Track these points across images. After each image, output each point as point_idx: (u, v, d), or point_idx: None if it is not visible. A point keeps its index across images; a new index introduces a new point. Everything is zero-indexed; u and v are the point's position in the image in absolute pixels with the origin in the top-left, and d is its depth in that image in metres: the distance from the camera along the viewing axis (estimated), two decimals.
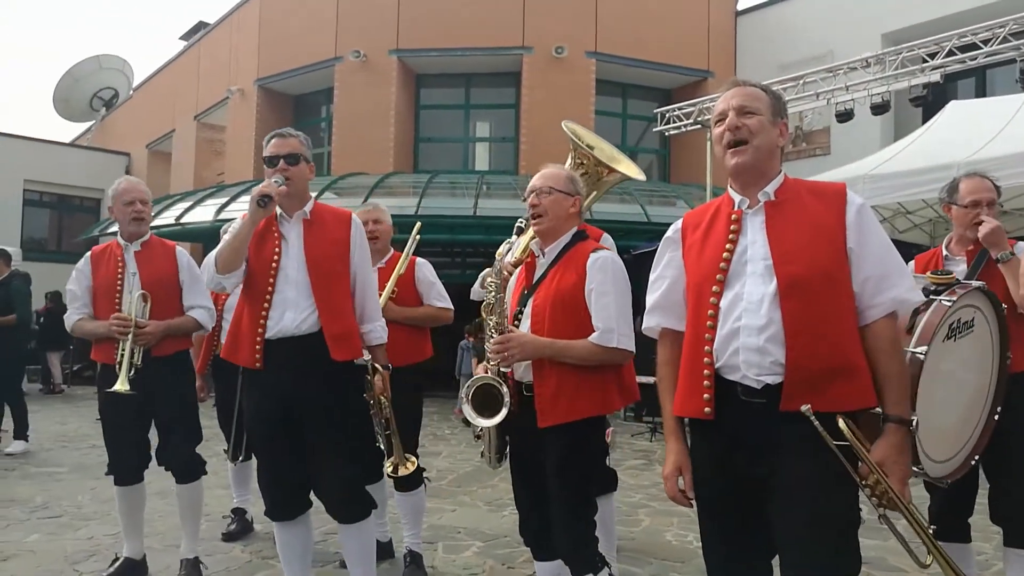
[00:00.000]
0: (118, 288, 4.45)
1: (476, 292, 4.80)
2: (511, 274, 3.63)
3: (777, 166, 2.55)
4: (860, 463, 2.27)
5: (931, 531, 2.37)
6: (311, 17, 18.66)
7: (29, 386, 15.93)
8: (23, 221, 23.48)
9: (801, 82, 12.09)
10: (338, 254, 3.73)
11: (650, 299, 2.74)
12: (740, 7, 19.09)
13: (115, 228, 4.69)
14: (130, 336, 4.25)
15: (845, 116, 11.50)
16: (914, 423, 2.33)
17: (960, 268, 3.67)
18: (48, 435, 10.37)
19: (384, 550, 4.87)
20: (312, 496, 3.74)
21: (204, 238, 15.26)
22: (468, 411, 3.15)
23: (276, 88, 19.96)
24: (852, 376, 2.31)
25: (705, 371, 2.44)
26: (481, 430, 3.30)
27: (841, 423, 2.24)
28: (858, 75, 11.53)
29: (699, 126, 13.27)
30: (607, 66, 17.78)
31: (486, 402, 3.13)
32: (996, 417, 2.91)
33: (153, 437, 4.61)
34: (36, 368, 17.02)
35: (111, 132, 28.40)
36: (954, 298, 2.64)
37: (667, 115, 14.14)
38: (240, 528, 5.55)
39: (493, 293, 3.21)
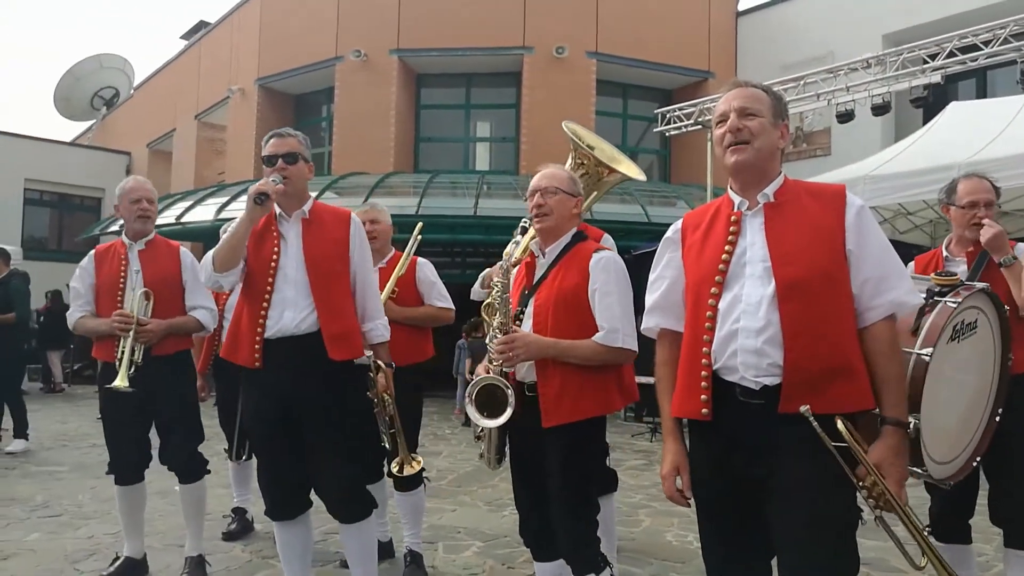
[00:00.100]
0: (121, 286, 4.46)
1: (476, 292, 4.80)
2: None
3: (777, 167, 2.55)
4: (858, 465, 2.27)
5: (926, 532, 2.37)
6: (312, 17, 18.66)
7: (30, 385, 15.96)
8: (24, 220, 23.48)
9: (802, 83, 12.09)
10: (337, 253, 3.73)
11: (649, 299, 2.74)
12: (741, 7, 19.09)
13: (115, 228, 4.71)
14: (131, 333, 4.25)
15: (846, 117, 11.49)
16: (911, 425, 2.33)
17: (961, 269, 3.67)
18: (49, 434, 10.37)
19: (384, 550, 4.87)
20: (312, 495, 3.74)
21: (204, 237, 15.25)
22: (472, 412, 3.14)
23: (277, 88, 19.96)
24: (850, 378, 2.31)
25: (703, 372, 2.44)
26: (482, 431, 3.29)
27: (840, 424, 2.24)
28: (859, 76, 11.52)
29: (700, 127, 13.27)
30: (608, 66, 17.77)
31: (489, 403, 3.13)
32: (997, 419, 2.91)
33: (154, 437, 4.61)
34: (37, 367, 17.04)
35: (112, 131, 28.40)
36: (959, 299, 2.64)
37: (668, 115, 14.14)
38: (241, 527, 5.55)
39: (499, 293, 3.20)
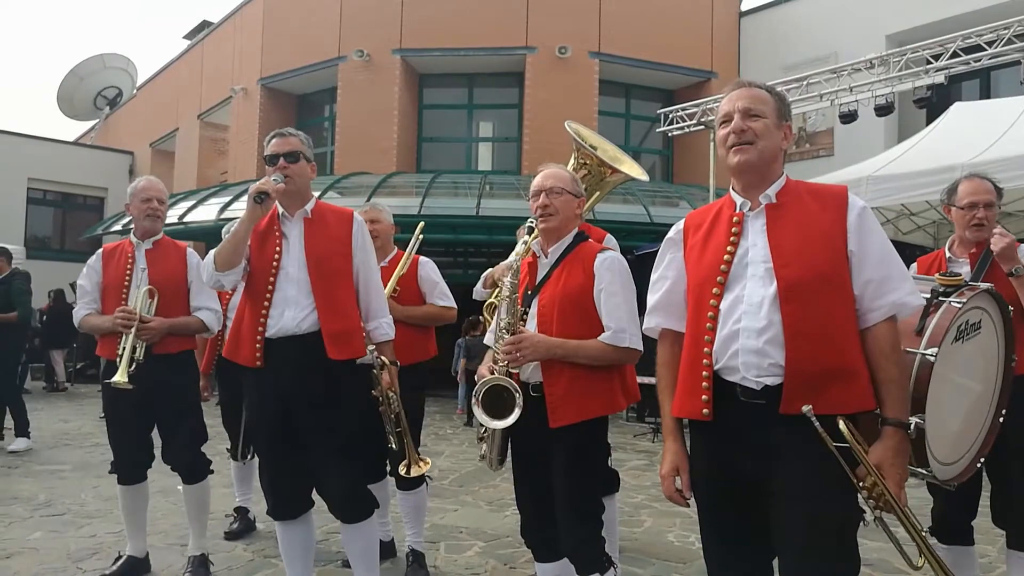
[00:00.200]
0: (126, 283, 4.48)
1: (478, 292, 4.81)
2: (502, 277, 3.64)
3: (779, 169, 2.54)
4: (858, 465, 2.27)
5: (925, 533, 2.37)
6: (315, 16, 18.67)
7: (32, 384, 15.98)
8: (27, 219, 23.49)
9: (805, 83, 12.08)
10: (340, 252, 3.73)
11: (651, 300, 2.74)
12: (744, 8, 19.08)
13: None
14: (133, 330, 4.26)
15: (849, 117, 11.47)
16: (914, 426, 2.33)
17: (964, 270, 3.67)
18: (51, 433, 10.38)
19: (386, 549, 4.87)
20: (315, 495, 3.74)
21: (207, 237, 15.27)
22: (480, 414, 3.13)
23: (280, 87, 19.96)
24: (851, 379, 2.32)
25: (704, 372, 2.44)
26: (486, 432, 3.29)
27: (841, 424, 2.24)
28: (862, 76, 11.51)
29: (702, 127, 13.27)
30: (610, 66, 17.76)
31: (494, 403, 3.12)
32: (1001, 419, 2.91)
33: (156, 436, 4.61)
34: (39, 366, 17.05)
35: (115, 131, 28.43)
36: (964, 300, 2.64)
37: (670, 116, 14.13)
38: (243, 527, 5.55)
39: (508, 293, 3.19)
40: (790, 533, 2.28)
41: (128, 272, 4.51)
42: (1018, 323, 3.11)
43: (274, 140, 3.72)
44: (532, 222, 3.29)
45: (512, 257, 3.27)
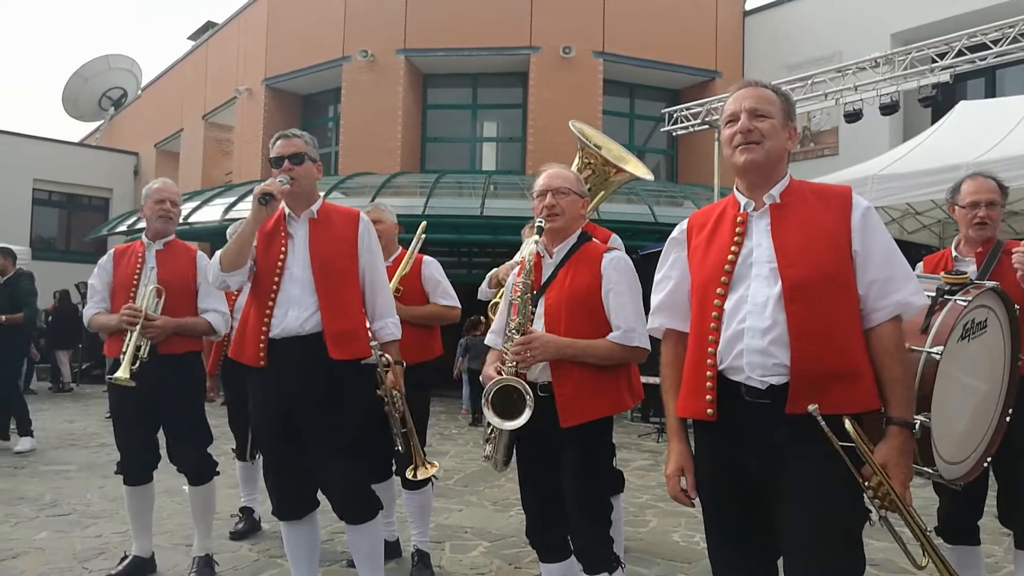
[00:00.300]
0: (135, 282, 4.50)
1: (483, 292, 4.80)
2: (507, 276, 3.63)
3: (784, 169, 2.54)
4: (863, 465, 2.27)
5: (930, 533, 2.38)
6: (319, 17, 18.69)
7: (38, 384, 16.02)
8: (32, 220, 23.54)
9: (810, 82, 12.07)
10: (345, 252, 3.73)
11: (655, 299, 2.74)
12: (748, 7, 19.07)
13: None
14: (138, 327, 4.27)
15: (854, 116, 11.45)
16: (919, 425, 2.33)
17: (970, 269, 3.65)
18: (57, 433, 10.40)
19: (391, 549, 4.88)
20: (320, 495, 3.74)
21: (212, 238, 15.29)
22: (490, 415, 3.13)
23: (284, 88, 19.98)
24: (856, 379, 2.31)
25: (708, 372, 2.43)
26: (492, 433, 3.28)
27: (847, 424, 2.24)
28: (867, 75, 11.49)
29: (707, 126, 13.26)
30: (615, 66, 17.76)
31: (503, 404, 3.11)
32: (1008, 419, 2.90)
33: (161, 436, 4.62)
34: (45, 366, 17.10)
35: (120, 132, 28.49)
36: (969, 298, 2.63)
37: (675, 115, 14.12)
38: (248, 527, 5.55)
39: (521, 294, 3.19)
40: (796, 533, 2.27)
41: (137, 271, 4.53)
42: None
43: (279, 142, 3.72)
44: (541, 222, 3.28)
45: (526, 257, 3.26)
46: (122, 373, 4.16)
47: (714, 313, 2.45)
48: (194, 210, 16.11)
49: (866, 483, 2.28)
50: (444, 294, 4.84)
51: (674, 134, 14.38)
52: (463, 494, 7.13)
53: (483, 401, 3.14)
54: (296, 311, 3.58)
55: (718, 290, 2.45)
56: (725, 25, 18.55)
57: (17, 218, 22.27)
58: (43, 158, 23.47)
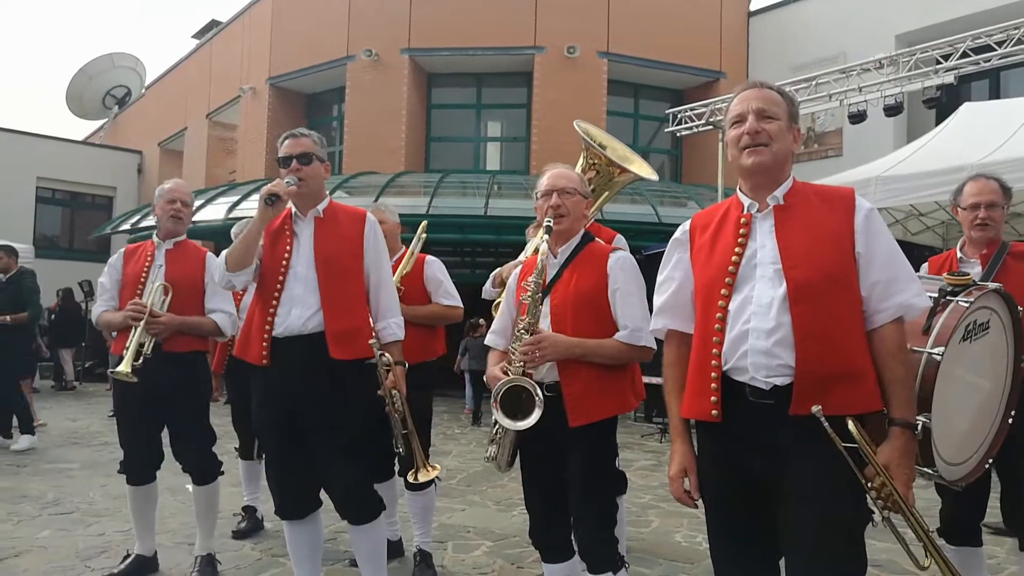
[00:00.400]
0: (142, 280, 4.51)
1: (488, 291, 4.79)
2: (506, 277, 3.63)
3: (788, 171, 2.54)
4: (866, 465, 2.27)
5: (932, 533, 2.38)
6: (323, 16, 18.71)
7: (41, 383, 16.03)
8: (36, 218, 23.57)
9: (814, 83, 12.06)
10: (350, 251, 3.72)
11: (657, 300, 2.74)
12: (753, 8, 19.06)
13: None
14: (142, 323, 4.27)
15: (858, 117, 11.45)
16: (919, 427, 2.33)
17: (975, 271, 3.65)
18: (60, 431, 10.42)
19: (394, 549, 4.88)
20: (323, 494, 3.74)
21: (215, 237, 15.30)
22: (501, 417, 3.12)
23: (288, 87, 20.01)
24: (859, 380, 2.32)
25: (713, 373, 2.43)
26: (497, 433, 3.28)
27: (851, 425, 2.25)
28: (871, 76, 11.48)
29: (711, 127, 13.26)
30: (619, 66, 17.76)
31: (512, 405, 3.11)
32: (1010, 420, 2.90)
33: (164, 435, 4.62)
34: (48, 365, 17.12)
35: (123, 130, 28.53)
36: (971, 299, 2.63)
37: (679, 115, 14.12)
38: (250, 526, 5.56)
39: (531, 294, 3.18)
40: (800, 533, 2.27)
41: (146, 269, 4.54)
42: None
43: (287, 141, 3.72)
44: (550, 221, 3.28)
45: (539, 256, 3.25)
46: (123, 367, 4.16)
47: (719, 314, 2.45)
48: (198, 209, 16.08)
49: (869, 484, 2.28)
50: (446, 294, 4.84)
51: (678, 134, 14.38)
52: (466, 494, 7.13)
53: (492, 402, 3.13)
54: (299, 310, 3.58)
55: (722, 291, 2.45)
56: (729, 26, 18.54)
57: (21, 216, 22.29)
58: (47, 156, 23.49)
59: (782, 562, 2.42)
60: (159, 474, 4.66)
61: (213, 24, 26.41)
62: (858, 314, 2.37)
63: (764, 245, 2.45)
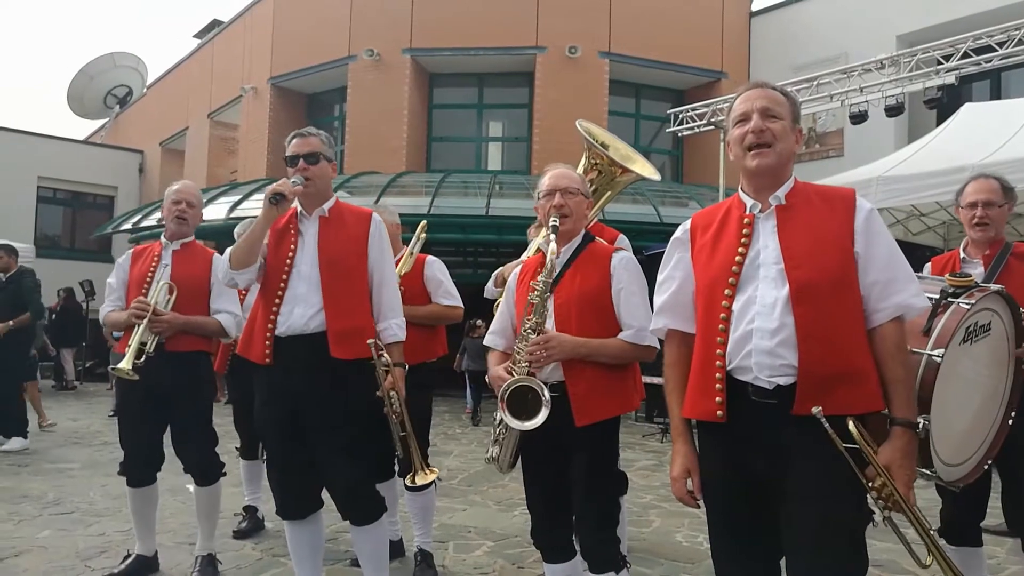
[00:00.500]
0: (148, 279, 4.51)
1: (489, 291, 4.79)
2: (508, 277, 3.63)
3: (790, 171, 2.54)
4: (867, 465, 2.27)
5: (934, 533, 2.38)
6: (325, 16, 18.71)
7: (42, 382, 16.02)
8: (37, 218, 23.54)
9: (815, 83, 12.07)
10: (354, 251, 3.72)
11: (658, 300, 2.74)
12: (754, 8, 19.06)
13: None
14: (145, 321, 4.27)
15: (859, 118, 11.45)
16: (920, 427, 2.33)
17: (978, 271, 3.64)
18: (60, 431, 10.42)
19: (395, 548, 4.87)
20: (324, 494, 3.74)
21: (216, 236, 15.31)
22: (507, 417, 3.11)
23: (290, 86, 20.01)
24: (861, 380, 2.32)
25: (717, 374, 2.43)
26: (501, 435, 3.28)
27: (851, 425, 2.25)
28: (872, 77, 11.49)
29: (712, 127, 13.27)
30: (620, 66, 17.77)
31: (518, 405, 3.10)
32: (1010, 422, 2.89)
33: (166, 436, 4.62)
34: (49, 364, 17.12)
35: (125, 130, 28.54)
36: (972, 301, 2.63)
37: (680, 116, 14.14)
38: (252, 526, 5.56)
39: (540, 294, 3.18)
40: (801, 533, 2.28)
41: (152, 269, 4.55)
42: None
43: (295, 140, 3.72)
44: (555, 221, 3.27)
45: (548, 256, 3.24)
46: (124, 364, 4.15)
47: (722, 314, 2.45)
48: None
49: (870, 484, 2.28)
50: (446, 294, 4.83)
51: (679, 135, 14.40)
52: (467, 494, 7.13)
53: (499, 402, 3.13)
54: (302, 309, 3.58)
55: (726, 291, 2.45)
56: (731, 26, 18.54)
57: (22, 216, 22.27)
58: (48, 156, 23.47)
59: (783, 562, 2.42)
60: (160, 474, 4.66)
61: (215, 24, 26.42)
62: (859, 314, 2.37)
63: (767, 245, 2.45)
